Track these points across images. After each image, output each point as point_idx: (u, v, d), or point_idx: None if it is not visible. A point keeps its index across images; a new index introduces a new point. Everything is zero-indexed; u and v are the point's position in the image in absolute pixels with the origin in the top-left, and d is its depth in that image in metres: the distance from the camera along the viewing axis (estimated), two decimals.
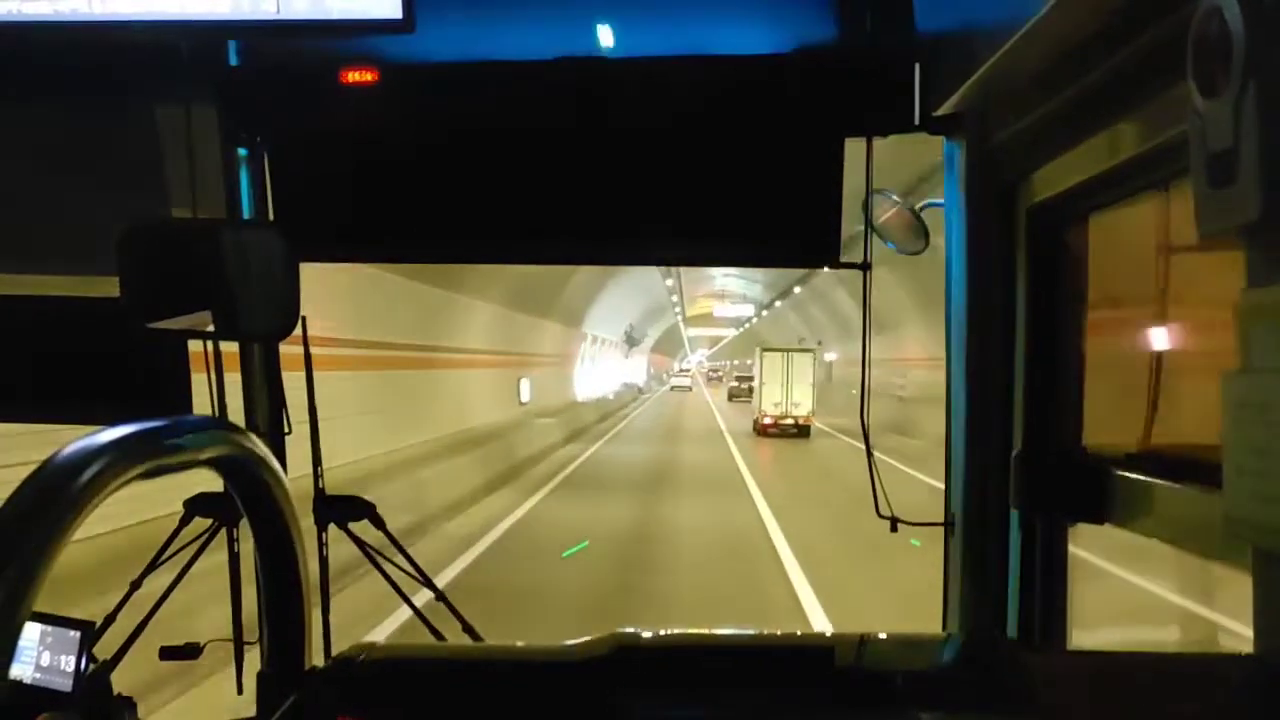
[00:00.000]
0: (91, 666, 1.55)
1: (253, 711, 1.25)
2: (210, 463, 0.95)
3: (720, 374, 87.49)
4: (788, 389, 28.85)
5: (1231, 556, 1.10)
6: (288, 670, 1.15)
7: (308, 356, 2.11)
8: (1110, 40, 1.24)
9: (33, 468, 0.72)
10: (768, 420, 28.92)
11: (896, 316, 25.52)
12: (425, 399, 16.16)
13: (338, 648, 1.36)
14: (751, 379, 51.44)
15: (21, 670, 1.54)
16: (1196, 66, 0.91)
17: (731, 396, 51.85)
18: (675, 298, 50.78)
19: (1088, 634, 1.84)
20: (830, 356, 41.72)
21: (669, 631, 1.45)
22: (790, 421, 28.63)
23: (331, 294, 10.34)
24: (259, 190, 2.05)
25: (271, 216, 2.05)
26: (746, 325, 69.29)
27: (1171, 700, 1.06)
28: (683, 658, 1.37)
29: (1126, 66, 1.25)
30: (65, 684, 1.54)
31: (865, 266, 1.96)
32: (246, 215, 2.05)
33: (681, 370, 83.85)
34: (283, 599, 1.12)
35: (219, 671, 2.35)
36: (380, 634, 6.04)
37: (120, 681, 1.57)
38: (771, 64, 1.93)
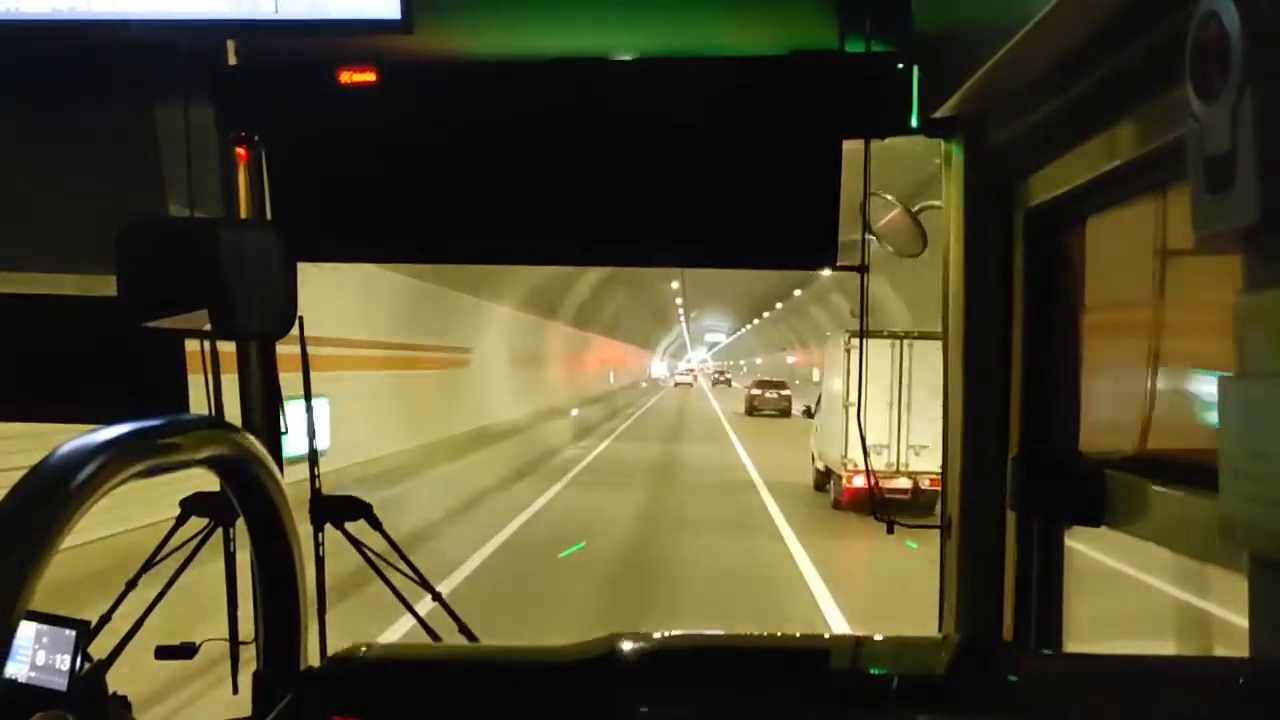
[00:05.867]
0: (87, 666, 1.55)
1: (248, 711, 1.24)
2: (207, 462, 0.95)
3: (727, 376, 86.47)
4: (901, 414, 13.88)
5: (1227, 560, 1.10)
6: (283, 670, 1.15)
7: (304, 356, 2.11)
8: (1109, 43, 1.24)
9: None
10: (857, 482, 13.41)
11: None
12: None
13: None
14: (777, 385, 39.46)
15: (16, 669, 1.54)
16: (1194, 70, 0.91)
17: (751, 409, 38.18)
18: (679, 299, 48.67)
19: (1084, 637, 1.84)
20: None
21: (666, 633, 1.45)
22: (905, 485, 13.16)
23: None
24: (256, 189, 2.05)
25: (269, 216, 2.04)
26: (755, 322, 62.48)
27: (1168, 703, 1.06)
28: (679, 659, 1.37)
29: (1125, 70, 1.25)
30: (60, 683, 1.53)
31: (863, 269, 1.96)
32: (244, 214, 2.04)
33: (685, 370, 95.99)
34: (279, 599, 1.12)
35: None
36: None
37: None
38: (769, 66, 1.93)
